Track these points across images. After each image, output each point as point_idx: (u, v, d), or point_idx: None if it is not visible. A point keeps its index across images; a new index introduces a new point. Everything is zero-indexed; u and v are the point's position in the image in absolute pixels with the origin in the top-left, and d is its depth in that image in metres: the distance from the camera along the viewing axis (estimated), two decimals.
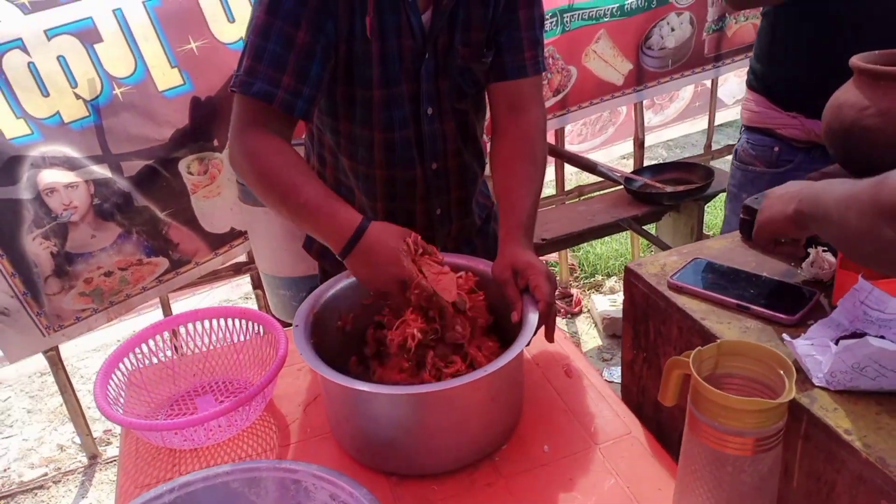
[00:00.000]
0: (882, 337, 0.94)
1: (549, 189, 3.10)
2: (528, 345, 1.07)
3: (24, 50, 1.82)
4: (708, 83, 3.20)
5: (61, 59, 1.87)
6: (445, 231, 1.49)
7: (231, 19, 2.01)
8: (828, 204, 0.91)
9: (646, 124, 3.24)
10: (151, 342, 1.32)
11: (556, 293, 3.32)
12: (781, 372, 0.85)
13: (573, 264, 3.61)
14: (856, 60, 1.23)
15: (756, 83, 1.82)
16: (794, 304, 1.06)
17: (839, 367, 0.89)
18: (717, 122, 3.41)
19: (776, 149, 1.76)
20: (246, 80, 1.16)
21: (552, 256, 3.45)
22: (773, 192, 1.11)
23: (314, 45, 1.18)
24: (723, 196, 3.29)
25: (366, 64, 1.25)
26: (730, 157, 3.46)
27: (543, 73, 1.42)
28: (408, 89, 1.30)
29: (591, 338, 3.13)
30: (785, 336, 0.96)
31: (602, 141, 3.34)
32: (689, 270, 1.17)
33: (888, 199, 0.79)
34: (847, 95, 1.23)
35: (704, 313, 1.08)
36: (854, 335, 0.95)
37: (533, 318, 1.09)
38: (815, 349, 0.94)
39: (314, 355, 1.04)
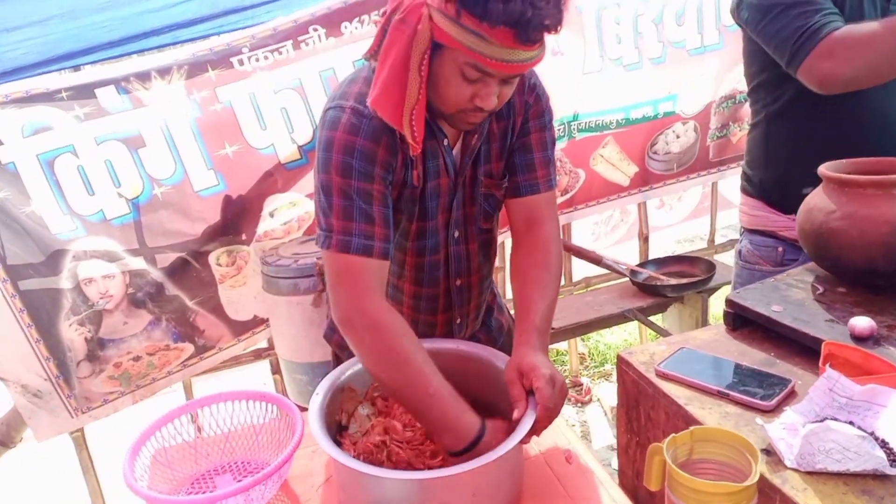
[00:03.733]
0: (851, 422, 1.03)
1: None
2: (527, 441, 1.16)
3: (75, 154, 2.00)
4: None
5: (108, 163, 2.04)
6: (462, 336, 1.59)
7: (263, 127, 2.19)
8: None
9: (658, 224, 3.38)
10: (177, 422, 1.40)
11: (567, 382, 3.38)
12: (748, 455, 0.93)
13: (583, 353, 3.68)
14: (823, 169, 1.36)
15: (752, 189, 1.88)
16: (771, 391, 1.15)
17: (807, 450, 0.98)
18: (726, 220, 3.53)
19: (780, 249, 1.81)
20: (343, 240, 1.24)
21: (562, 345, 3.53)
22: None
23: (386, 193, 1.29)
24: (726, 289, 3.38)
25: (411, 204, 1.36)
26: (732, 251, 3.57)
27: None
28: (442, 219, 1.42)
29: (601, 427, 3.17)
30: (758, 420, 1.05)
31: (615, 240, 3.46)
32: (675, 359, 1.27)
33: None
34: (816, 200, 1.36)
35: (688, 399, 1.17)
36: (824, 420, 1.04)
37: (529, 418, 1.16)
38: (786, 433, 1.02)
39: (324, 433, 1.15)
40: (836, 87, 1.55)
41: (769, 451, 1.03)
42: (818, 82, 1.56)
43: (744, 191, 1.95)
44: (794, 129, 1.75)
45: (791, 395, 1.15)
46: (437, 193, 1.38)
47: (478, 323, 1.63)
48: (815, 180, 1.42)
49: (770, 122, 1.80)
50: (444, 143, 1.34)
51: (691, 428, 0.97)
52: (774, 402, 1.12)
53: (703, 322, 2.93)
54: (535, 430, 1.18)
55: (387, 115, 1.21)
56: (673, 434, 0.96)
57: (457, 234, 1.45)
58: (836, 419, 1.03)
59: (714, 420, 1.11)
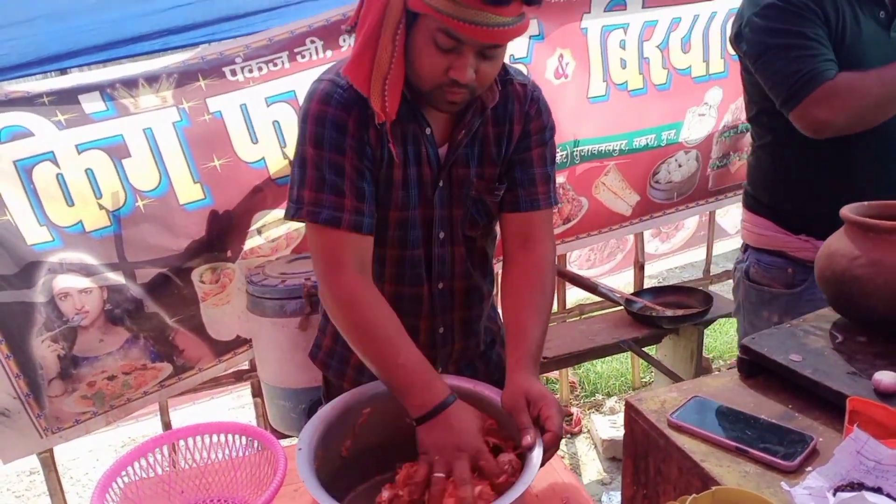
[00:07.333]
0: (879, 488, 0.95)
1: None
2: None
3: (55, 162, 1.91)
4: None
5: (89, 172, 1.95)
6: (447, 351, 1.51)
7: (255, 140, 2.11)
8: None
9: (654, 252, 3.33)
10: (150, 456, 1.31)
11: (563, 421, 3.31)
12: None
13: (573, 382, 3.60)
14: (846, 212, 1.29)
15: (759, 208, 1.85)
16: (792, 449, 1.07)
17: None
18: (720, 250, 3.50)
19: (790, 270, 1.77)
20: (313, 210, 1.25)
21: (552, 374, 3.45)
22: None
23: (361, 167, 1.27)
24: (722, 322, 3.33)
25: (388, 187, 1.33)
26: (729, 281, 3.52)
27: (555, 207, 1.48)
28: (422, 213, 1.37)
29: (591, 460, 3.08)
30: (783, 484, 0.97)
31: (610, 268, 3.40)
32: (688, 409, 1.19)
33: None
34: (839, 244, 1.29)
35: (704, 455, 1.09)
36: (852, 485, 0.96)
37: (537, 454, 1.10)
38: (812, 499, 0.94)
39: (317, 484, 1.06)
40: (827, 133, 1.61)
41: None
42: (811, 129, 1.61)
43: (748, 207, 1.90)
44: (806, 156, 1.72)
45: (813, 454, 1.07)
46: (417, 182, 1.35)
47: (469, 344, 1.55)
48: (837, 198, 1.38)
49: (779, 147, 1.78)
50: (427, 131, 1.32)
51: (713, 489, 0.89)
52: (797, 461, 1.04)
53: (698, 355, 2.86)
54: (544, 460, 1.13)
55: (357, 83, 1.22)
56: (694, 495, 0.87)
57: (442, 234, 1.40)
58: (862, 484, 0.95)
59: (733, 479, 1.03)
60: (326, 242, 1.27)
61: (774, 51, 1.62)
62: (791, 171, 1.76)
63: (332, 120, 1.25)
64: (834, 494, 0.92)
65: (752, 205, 1.89)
